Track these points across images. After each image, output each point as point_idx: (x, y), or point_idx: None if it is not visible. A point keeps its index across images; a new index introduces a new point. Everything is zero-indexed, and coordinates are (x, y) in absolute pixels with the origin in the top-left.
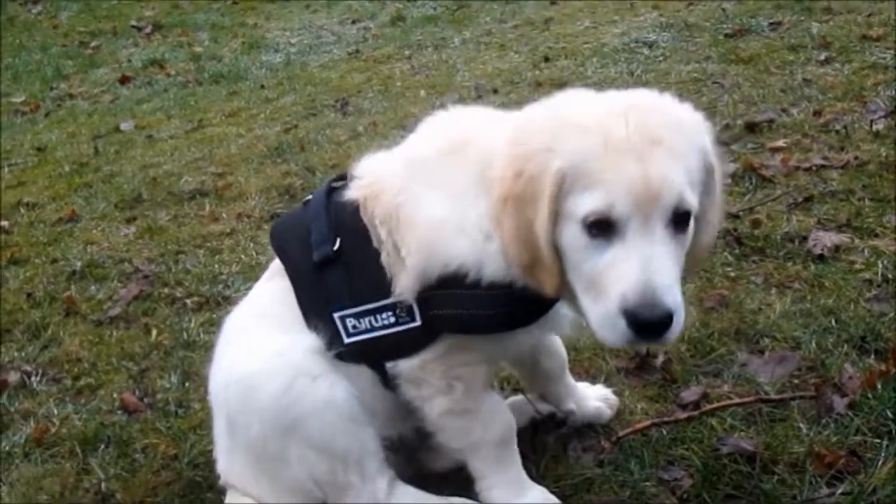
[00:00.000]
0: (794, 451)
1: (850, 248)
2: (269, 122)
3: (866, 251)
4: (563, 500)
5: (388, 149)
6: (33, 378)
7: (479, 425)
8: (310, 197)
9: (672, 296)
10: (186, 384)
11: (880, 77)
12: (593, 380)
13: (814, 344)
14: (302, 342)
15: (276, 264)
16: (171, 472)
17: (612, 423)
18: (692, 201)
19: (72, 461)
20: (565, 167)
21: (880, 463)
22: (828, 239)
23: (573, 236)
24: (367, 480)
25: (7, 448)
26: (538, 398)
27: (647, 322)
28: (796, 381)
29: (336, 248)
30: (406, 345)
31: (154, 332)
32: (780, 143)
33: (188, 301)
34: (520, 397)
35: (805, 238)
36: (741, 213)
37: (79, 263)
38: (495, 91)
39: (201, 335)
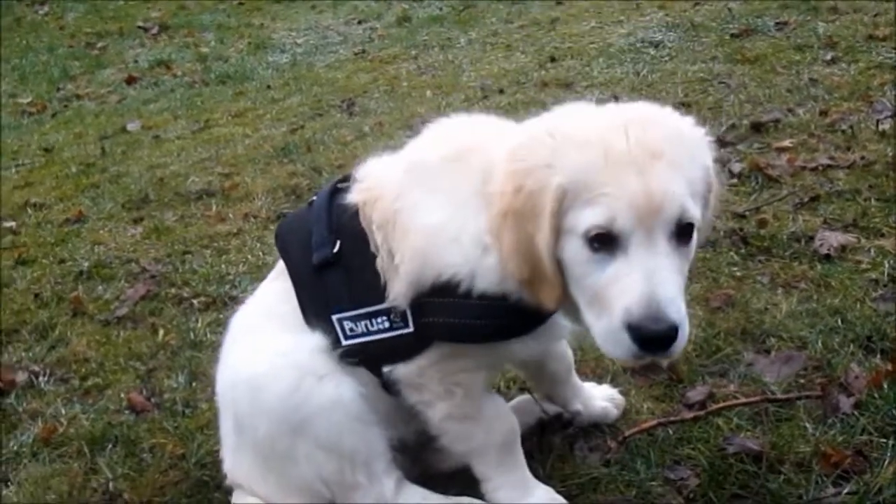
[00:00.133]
0: (800, 451)
1: (856, 247)
2: (275, 122)
3: (872, 251)
4: (569, 499)
5: (394, 150)
6: (41, 378)
7: (480, 430)
8: (314, 198)
9: (676, 308)
10: (193, 384)
11: (887, 77)
12: (599, 380)
13: (820, 344)
14: (308, 342)
15: (283, 263)
16: (179, 472)
17: (618, 422)
18: (695, 213)
19: (80, 461)
20: (565, 183)
21: (886, 462)
22: (834, 239)
23: (575, 251)
24: (375, 480)
25: (15, 448)
26: (545, 398)
27: (651, 336)
28: (802, 381)
29: (335, 250)
30: (400, 350)
31: (161, 332)
32: (787, 142)
33: (195, 301)
34: (526, 397)
35: (811, 238)
36: (747, 213)
37: (86, 264)
38: (501, 91)
39: (208, 335)
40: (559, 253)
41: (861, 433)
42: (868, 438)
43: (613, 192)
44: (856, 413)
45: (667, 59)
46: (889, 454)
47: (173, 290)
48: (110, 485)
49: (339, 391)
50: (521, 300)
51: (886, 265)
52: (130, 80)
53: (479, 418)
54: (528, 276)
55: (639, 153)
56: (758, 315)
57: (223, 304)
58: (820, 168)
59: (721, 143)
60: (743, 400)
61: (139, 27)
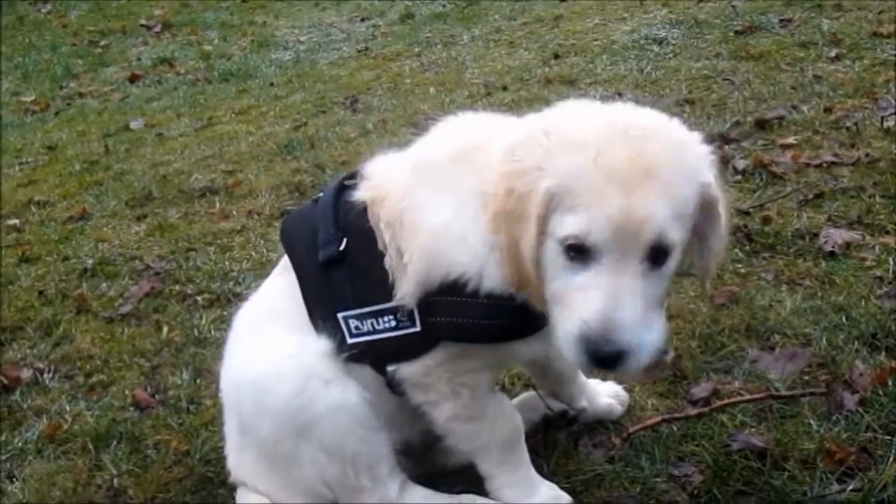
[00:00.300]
0: (804, 448)
1: (860, 244)
2: (278, 119)
3: (877, 248)
4: (573, 496)
5: (398, 147)
6: (46, 375)
7: (486, 429)
8: (320, 195)
9: (631, 334)
10: (198, 381)
11: (891, 74)
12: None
13: (824, 341)
14: (314, 344)
15: (287, 259)
16: (183, 468)
17: (622, 419)
18: (673, 238)
19: (84, 457)
20: (553, 187)
21: (891, 459)
22: (838, 236)
23: (552, 254)
24: (379, 483)
25: (20, 444)
26: (549, 395)
27: (600, 355)
28: (807, 378)
29: (342, 248)
30: (407, 349)
31: (165, 328)
32: (791, 139)
33: (199, 298)
34: (531, 394)
35: (816, 235)
36: (751, 210)
37: (90, 261)
38: (505, 88)
39: (212, 332)
40: (541, 254)
41: (865, 430)
42: (872, 435)
43: (595, 204)
44: (860, 410)
45: (670, 55)
46: (893, 451)
47: (177, 287)
48: (115, 481)
49: (344, 396)
50: (527, 300)
51: (891, 262)
52: (133, 79)
53: (484, 418)
54: (516, 277)
55: (631, 168)
56: (762, 312)
57: (227, 300)
58: (824, 165)
59: (725, 139)
60: (747, 397)
61: (142, 25)
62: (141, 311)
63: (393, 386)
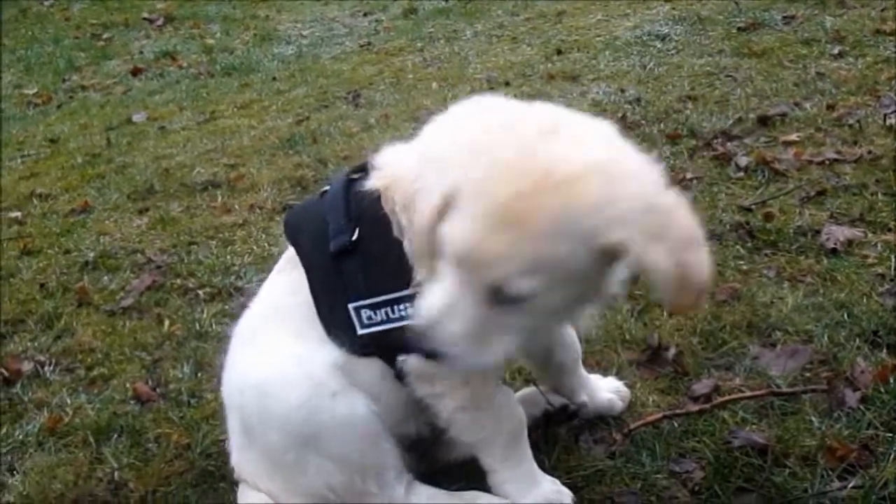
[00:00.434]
0: (805, 445)
1: (862, 242)
2: (281, 113)
3: (879, 245)
4: (574, 491)
5: (405, 141)
6: (47, 368)
7: (490, 421)
8: (326, 188)
9: (449, 344)
10: (199, 374)
11: (894, 71)
12: (605, 372)
13: (826, 338)
14: (321, 354)
15: (288, 256)
16: (184, 462)
17: (623, 415)
18: (523, 288)
19: (85, 450)
20: (448, 190)
21: (892, 457)
22: (840, 233)
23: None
24: (386, 488)
25: (21, 437)
26: (550, 390)
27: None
28: (808, 375)
29: (354, 238)
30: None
31: (167, 322)
32: (793, 136)
33: (200, 292)
34: (532, 389)
35: (818, 232)
36: (754, 207)
37: (91, 254)
38: (507, 83)
39: (213, 326)
40: None
41: (867, 427)
42: (874, 433)
43: (455, 225)
44: (861, 407)
45: (673, 52)
46: (895, 448)
47: (179, 281)
48: (116, 474)
49: (352, 409)
50: None
51: (893, 260)
52: (136, 72)
53: (490, 408)
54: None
55: (502, 209)
56: (764, 309)
57: (228, 294)
58: (827, 162)
59: (728, 136)
60: (748, 393)
61: (144, 18)
62: (142, 304)
63: (401, 377)
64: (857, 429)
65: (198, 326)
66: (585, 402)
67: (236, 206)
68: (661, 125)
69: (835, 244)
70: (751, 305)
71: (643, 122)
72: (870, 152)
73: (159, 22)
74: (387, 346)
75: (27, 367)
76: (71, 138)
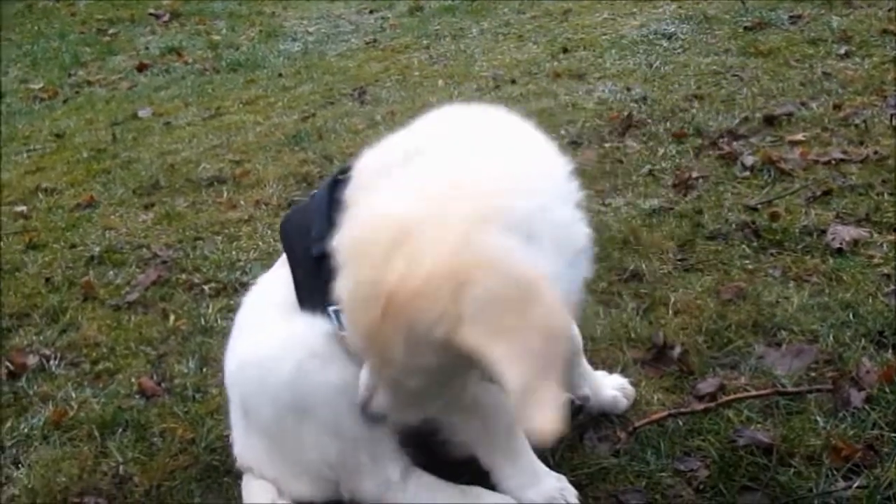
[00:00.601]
0: (810, 444)
1: (868, 242)
2: (286, 110)
3: (885, 246)
4: (578, 489)
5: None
6: (52, 362)
7: (478, 420)
8: (315, 190)
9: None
10: (204, 369)
11: None
12: (610, 370)
13: (831, 337)
14: (315, 326)
15: None
16: (189, 456)
17: (628, 413)
18: (411, 384)
19: (90, 444)
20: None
21: None
22: (846, 233)
23: None
24: (379, 463)
25: (26, 430)
26: None
27: None
28: (813, 375)
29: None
30: None
31: (172, 317)
32: (799, 136)
33: (206, 287)
34: None
35: (823, 232)
36: (759, 206)
37: (97, 249)
38: (513, 81)
39: (219, 321)
40: None
41: (872, 427)
42: (879, 433)
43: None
44: (867, 407)
45: (679, 51)
46: None
47: (184, 276)
48: (120, 468)
49: (342, 377)
50: None
51: None
52: (141, 67)
53: (476, 409)
54: None
55: (367, 338)
56: (769, 308)
57: (234, 290)
58: (833, 162)
59: (734, 135)
60: (753, 392)
61: (150, 14)
62: (148, 299)
63: None
64: (863, 429)
65: (203, 322)
66: (588, 394)
67: (242, 202)
68: (667, 124)
69: (840, 244)
70: (756, 305)
71: (649, 120)
72: (876, 152)
73: (165, 18)
74: None
75: (32, 360)
76: (76, 133)
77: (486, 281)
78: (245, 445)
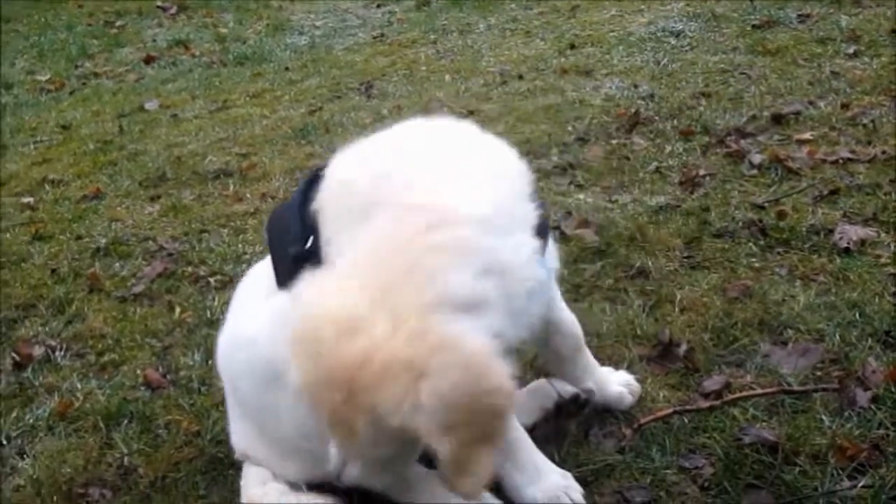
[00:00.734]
0: (816, 443)
1: (875, 241)
2: (293, 103)
3: (892, 245)
4: (583, 485)
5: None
6: (57, 353)
7: None
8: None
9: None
10: (209, 362)
11: None
12: (616, 366)
13: (838, 337)
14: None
15: None
16: (194, 448)
17: (633, 410)
18: (374, 454)
19: (95, 435)
20: None
21: None
22: (853, 232)
23: None
24: None
25: (31, 421)
26: (559, 379)
27: None
28: (819, 374)
29: (308, 246)
30: None
31: (177, 309)
32: (807, 135)
33: (212, 279)
34: (542, 381)
35: (831, 231)
36: (767, 205)
37: (103, 240)
38: (520, 77)
39: (224, 314)
40: None
41: (877, 427)
42: (884, 433)
43: None
44: (872, 407)
45: (687, 48)
46: None
47: (190, 269)
48: (125, 460)
49: None
50: None
51: None
52: (148, 60)
53: None
54: None
55: (330, 419)
56: (775, 306)
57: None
58: (840, 161)
59: (741, 134)
60: (759, 391)
61: (158, 7)
62: (153, 291)
63: None
64: (868, 428)
65: (209, 314)
66: (592, 388)
67: (248, 195)
68: (675, 121)
69: (847, 243)
70: (763, 303)
71: (656, 118)
72: (884, 152)
73: (172, 10)
74: None
75: (38, 351)
76: (83, 125)
77: (441, 371)
78: (239, 432)
